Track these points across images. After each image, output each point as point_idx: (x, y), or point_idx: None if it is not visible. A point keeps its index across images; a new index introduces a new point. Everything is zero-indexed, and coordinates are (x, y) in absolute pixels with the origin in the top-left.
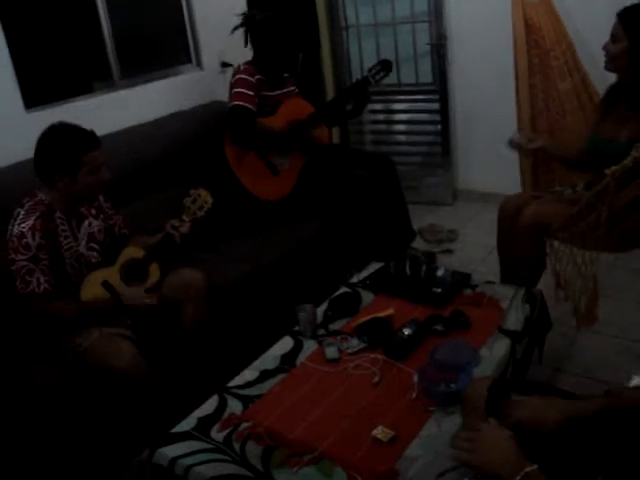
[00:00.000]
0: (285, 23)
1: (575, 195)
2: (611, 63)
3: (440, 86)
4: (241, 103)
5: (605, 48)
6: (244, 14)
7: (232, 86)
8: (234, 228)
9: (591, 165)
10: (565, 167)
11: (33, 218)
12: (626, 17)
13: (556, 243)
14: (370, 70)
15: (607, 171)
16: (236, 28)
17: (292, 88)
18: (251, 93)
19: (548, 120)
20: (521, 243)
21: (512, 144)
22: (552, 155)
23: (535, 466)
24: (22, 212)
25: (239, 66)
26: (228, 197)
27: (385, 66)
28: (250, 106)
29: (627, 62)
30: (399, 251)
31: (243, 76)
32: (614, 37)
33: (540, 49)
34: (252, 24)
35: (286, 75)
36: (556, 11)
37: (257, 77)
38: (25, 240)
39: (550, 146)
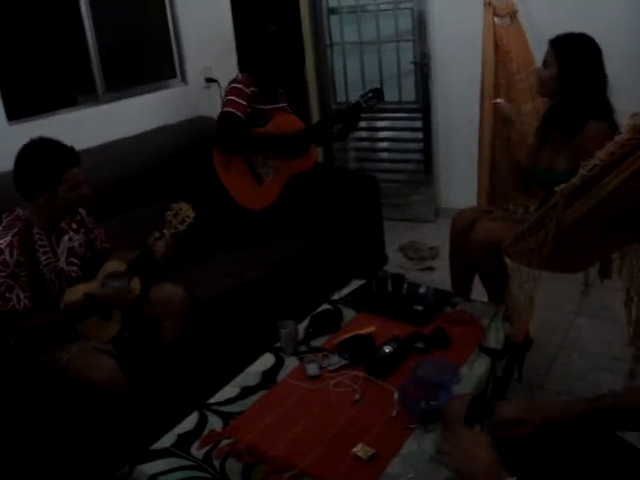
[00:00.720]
0: (291, 38)
1: (527, 216)
2: (542, 88)
3: (423, 104)
4: (232, 110)
5: (537, 73)
6: (253, 25)
7: (226, 94)
8: (218, 241)
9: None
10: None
11: (11, 234)
12: (558, 44)
13: (507, 259)
14: (362, 96)
15: (557, 189)
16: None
17: (284, 104)
18: (244, 103)
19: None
20: (479, 260)
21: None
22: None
23: (514, 478)
24: None
25: (236, 76)
26: (213, 207)
27: (376, 94)
28: (240, 114)
29: (557, 87)
30: (370, 274)
31: (238, 85)
32: (546, 63)
33: (507, 71)
34: (261, 36)
35: (281, 91)
36: (525, 35)
37: (252, 89)
38: (3, 257)
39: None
